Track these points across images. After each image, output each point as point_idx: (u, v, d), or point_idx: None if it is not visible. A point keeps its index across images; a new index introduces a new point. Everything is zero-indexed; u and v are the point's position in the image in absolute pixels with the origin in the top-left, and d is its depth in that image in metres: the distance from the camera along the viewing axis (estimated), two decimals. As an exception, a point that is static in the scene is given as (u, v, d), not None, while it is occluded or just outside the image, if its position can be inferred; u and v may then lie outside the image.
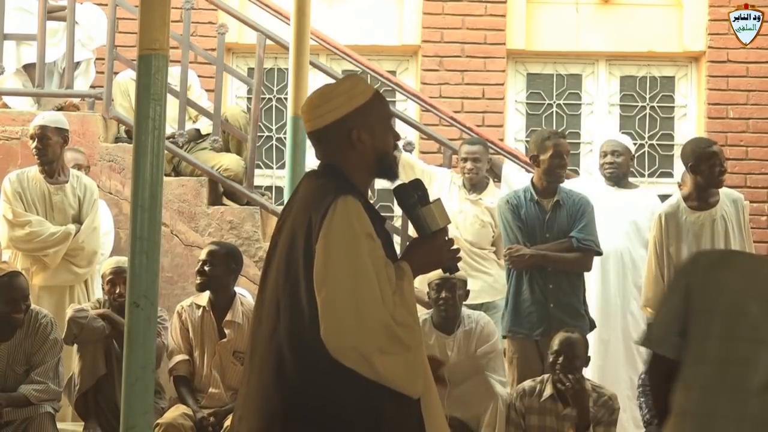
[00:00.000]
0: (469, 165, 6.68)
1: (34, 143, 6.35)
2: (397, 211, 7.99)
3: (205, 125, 7.32)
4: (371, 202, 7.05)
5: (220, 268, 5.53)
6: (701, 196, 5.98)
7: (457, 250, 3.30)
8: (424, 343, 3.30)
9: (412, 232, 6.60)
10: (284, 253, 3.12)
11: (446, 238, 3.26)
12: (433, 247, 3.24)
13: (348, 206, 3.06)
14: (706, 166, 5.92)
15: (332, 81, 7.37)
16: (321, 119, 3.19)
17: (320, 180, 3.19)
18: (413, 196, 3.26)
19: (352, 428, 3.01)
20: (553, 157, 5.96)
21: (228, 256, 5.59)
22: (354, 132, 3.17)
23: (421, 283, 6.14)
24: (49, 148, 6.36)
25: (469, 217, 6.65)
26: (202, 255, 5.58)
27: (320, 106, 3.20)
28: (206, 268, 5.51)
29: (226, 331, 5.55)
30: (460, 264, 6.36)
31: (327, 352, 2.98)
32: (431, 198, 3.28)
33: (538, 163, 6.03)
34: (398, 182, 3.33)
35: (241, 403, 3.19)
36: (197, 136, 7.30)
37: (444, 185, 6.75)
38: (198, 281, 5.54)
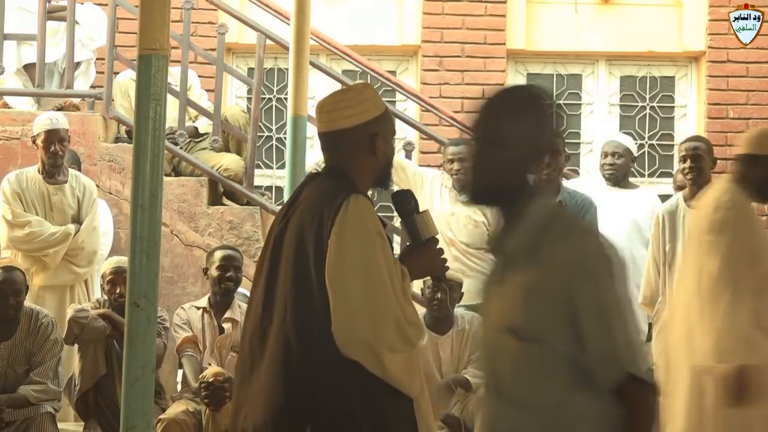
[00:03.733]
0: (455, 166, 6.64)
1: (54, 147, 6.29)
2: (397, 211, 7.99)
3: (203, 124, 7.32)
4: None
5: (241, 273, 5.68)
6: (699, 197, 5.98)
7: (446, 259, 3.39)
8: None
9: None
10: (292, 251, 3.14)
11: (437, 247, 3.34)
12: (428, 254, 3.32)
13: (361, 204, 3.11)
14: (681, 162, 5.98)
15: (333, 81, 7.41)
16: (349, 120, 3.23)
17: (330, 181, 3.22)
18: (410, 202, 3.31)
19: (355, 423, 3.03)
20: None
21: (242, 260, 5.75)
22: (377, 137, 3.23)
23: (416, 283, 6.14)
24: (66, 150, 6.39)
25: (462, 218, 6.64)
26: (222, 260, 5.61)
27: (349, 107, 3.24)
28: (233, 274, 5.61)
29: (225, 326, 5.61)
30: (458, 265, 6.44)
31: (334, 346, 3.01)
32: (421, 208, 3.38)
33: None
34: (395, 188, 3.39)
35: (245, 399, 3.19)
36: (195, 134, 7.30)
37: (435, 187, 6.73)
38: (225, 286, 5.60)
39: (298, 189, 3.31)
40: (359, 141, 3.22)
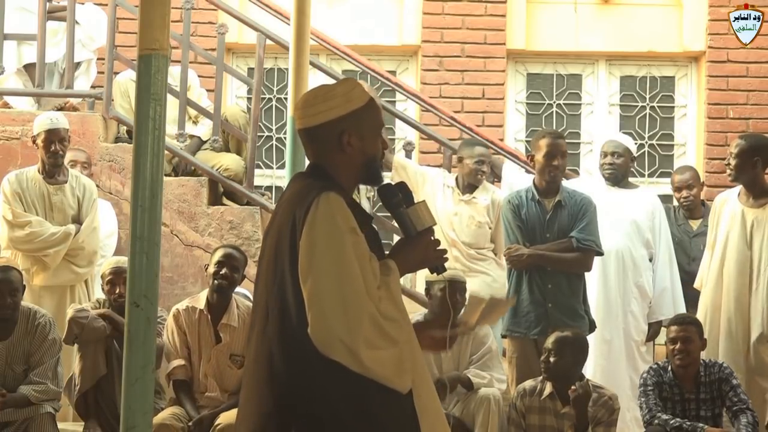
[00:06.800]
0: (484, 168, 6.68)
1: (54, 147, 6.30)
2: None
3: (204, 131, 7.30)
4: (369, 198, 7.04)
5: (239, 274, 5.58)
6: (746, 192, 6.04)
7: (444, 251, 3.32)
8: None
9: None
10: (272, 254, 3.14)
11: (432, 238, 3.28)
12: (419, 246, 3.26)
13: (330, 201, 3.07)
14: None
15: (333, 81, 7.40)
16: (314, 118, 3.20)
17: (306, 180, 3.21)
18: (397, 195, 3.27)
19: (341, 424, 3.01)
20: (545, 156, 5.97)
21: (245, 262, 5.66)
22: (345, 135, 3.17)
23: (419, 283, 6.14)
24: (66, 149, 6.39)
25: (465, 218, 6.64)
26: (220, 257, 5.56)
27: (315, 105, 3.21)
28: (228, 272, 5.52)
29: (222, 335, 5.54)
30: (459, 266, 6.42)
31: (314, 348, 2.98)
32: (417, 199, 3.30)
33: (534, 162, 6.06)
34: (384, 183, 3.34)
35: (241, 404, 3.21)
36: (200, 144, 7.30)
37: (437, 187, 6.73)
38: (217, 283, 5.52)
39: (285, 190, 3.31)
40: (327, 139, 3.18)
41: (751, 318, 5.92)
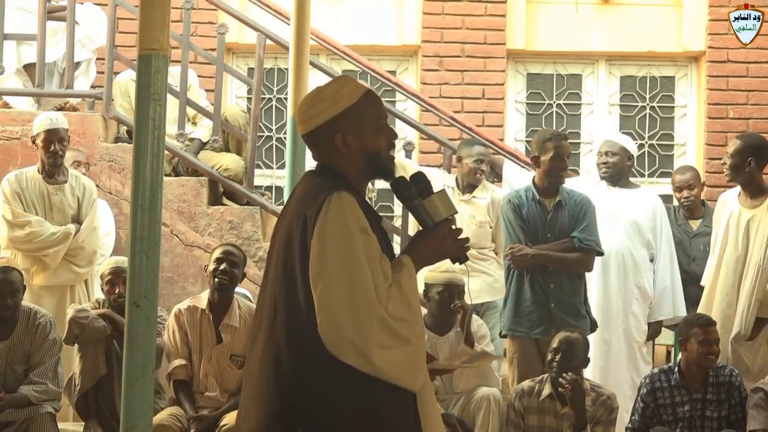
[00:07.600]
0: (483, 167, 6.70)
1: (54, 147, 6.30)
2: (398, 210, 8.00)
3: (204, 132, 7.29)
4: (371, 198, 7.05)
5: (238, 271, 5.56)
6: (744, 192, 6.05)
7: (466, 239, 3.23)
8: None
9: (412, 230, 6.63)
10: (281, 252, 3.12)
11: (452, 228, 3.21)
12: (436, 237, 3.20)
13: (342, 201, 3.05)
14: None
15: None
16: (309, 122, 3.18)
17: (316, 179, 3.18)
18: (410, 187, 3.21)
19: (348, 425, 3.00)
20: (554, 158, 5.96)
21: (244, 260, 5.65)
22: (338, 135, 3.14)
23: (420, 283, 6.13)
24: (66, 149, 6.39)
25: (465, 218, 6.64)
26: (219, 254, 5.56)
27: (308, 109, 3.18)
28: (227, 267, 5.51)
29: (223, 336, 5.54)
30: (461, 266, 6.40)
31: (323, 348, 2.97)
32: (435, 189, 3.23)
33: (538, 163, 6.04)
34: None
35: (243, 403, 3.19)
36: (201, 146, 7.30)
37: (437, 187, 6.72)
38: (218, 281, 5.51)
39: (294, 188, 3.29)
40: (324, 141, 3.16)
41: (736, 317, 5.93)
